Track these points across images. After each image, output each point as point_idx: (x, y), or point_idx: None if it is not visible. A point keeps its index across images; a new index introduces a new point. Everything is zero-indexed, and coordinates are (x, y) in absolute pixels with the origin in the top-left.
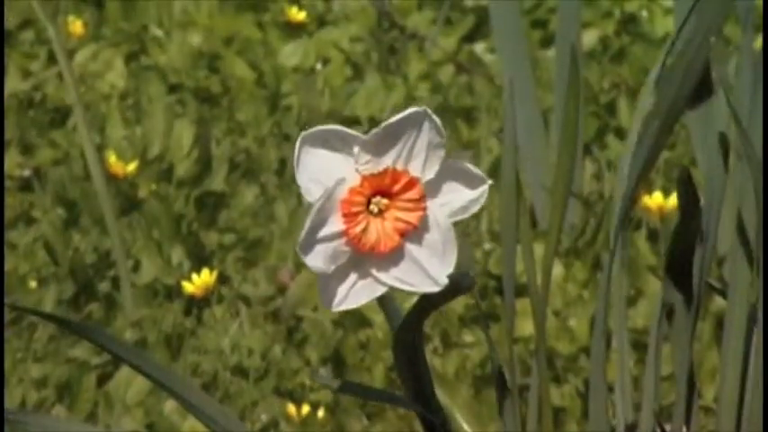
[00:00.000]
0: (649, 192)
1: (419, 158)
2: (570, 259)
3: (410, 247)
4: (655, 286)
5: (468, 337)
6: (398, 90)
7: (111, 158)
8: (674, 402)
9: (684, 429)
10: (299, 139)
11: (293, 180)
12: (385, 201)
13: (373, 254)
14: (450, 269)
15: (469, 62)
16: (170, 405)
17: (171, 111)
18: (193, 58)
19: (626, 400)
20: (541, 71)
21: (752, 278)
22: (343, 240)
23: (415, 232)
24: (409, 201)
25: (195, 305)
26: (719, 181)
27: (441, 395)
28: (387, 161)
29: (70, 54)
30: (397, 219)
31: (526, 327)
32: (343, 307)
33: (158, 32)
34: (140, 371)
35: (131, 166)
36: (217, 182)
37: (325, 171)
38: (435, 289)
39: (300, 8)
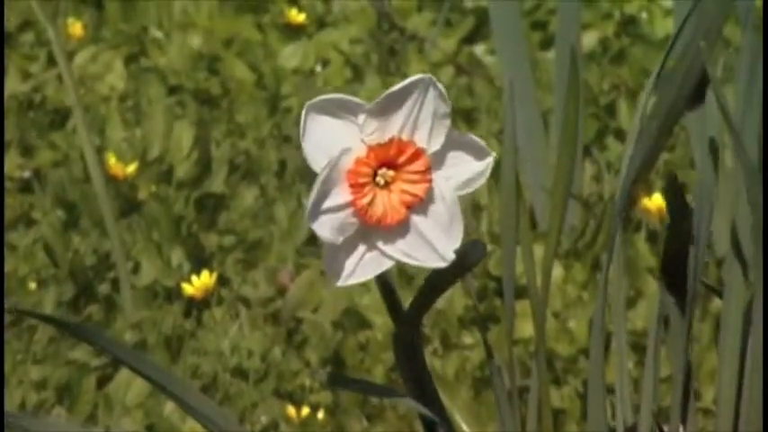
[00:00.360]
0: (649, 193)
1: (425, 128)
2: (570, 261)
3: (416, 220)
4: (654, 288)
5: (467, 339)
6: None
7: (111, 160)
8: (672, 403)
9: (681, 430)
10: (305, 107)
11: (293, 182)
12: (391, 173)
13: (380, 226)
14: (457, 244)
15: (469, 63)
16: (170, 406)
17: (171, 112)
18: (193, 60)
19: (625, 401)
20: (541, 73)
21: (746, 279)
22: (351, 211)
23: (420, 205)
24: (415, 172)
25: (195, 307)
26: (709, 182)
27: (440, 396)
28: (392, 129)
29: (70, 56)
30: (404, 191)
31: (526, 328)
32: (351, 281)
33: (158, 34)
34: (139, 373)
35: (131, 168)
36: (216, 183)
37: (330, 139)
38: (442, 264)
39: (300, 10)
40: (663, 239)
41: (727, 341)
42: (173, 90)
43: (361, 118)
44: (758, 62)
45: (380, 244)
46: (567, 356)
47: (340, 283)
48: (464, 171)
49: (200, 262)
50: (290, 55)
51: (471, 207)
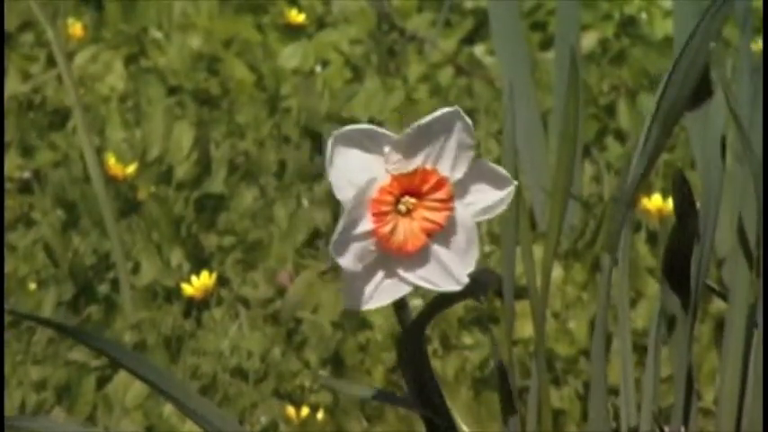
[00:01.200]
0: (649, 194)
1: (448, 158)
2: (570, 261)
3: (434, 247)
4: (654, 288)
5: (467, 339)
6: (398, 92)
7: (111, 160)
8: (673, 404)
9: (683, 431)
10: (332, 138)
11: (293, 182)
12: (413, 200)
13: (401, 253)
14: (471, 268)
15: (469, 64)
16: (169, 407)
17: (170, 113)
18: (193, 61)
19: (629, 402)
20: (541, 73)
21: (751, 280)
22: (372, 240)
23: (440, 232)
24: (437, 201)
25: (194, 307)
26: (716, 183)
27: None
28: (417, 161)
29: (70, 56)
30: (425, 218)
31: (526, 329)
32: (369, 306)
33: (158, 35)
34: (138, 375)
35: (131, 169)
36: (216, 184)
37: (357, 170)
38: (457, 288)
39: (300, 10)
40: (664, 240)
41: (730, 341)
42: (172, 90)
43: (387, 149)
44: (758, 64)
45: (400, 270)
46: (566, 357)
47: (360, 308)
48: (485, 199)
49: (199, 262)
50: (290, 55)
51: None
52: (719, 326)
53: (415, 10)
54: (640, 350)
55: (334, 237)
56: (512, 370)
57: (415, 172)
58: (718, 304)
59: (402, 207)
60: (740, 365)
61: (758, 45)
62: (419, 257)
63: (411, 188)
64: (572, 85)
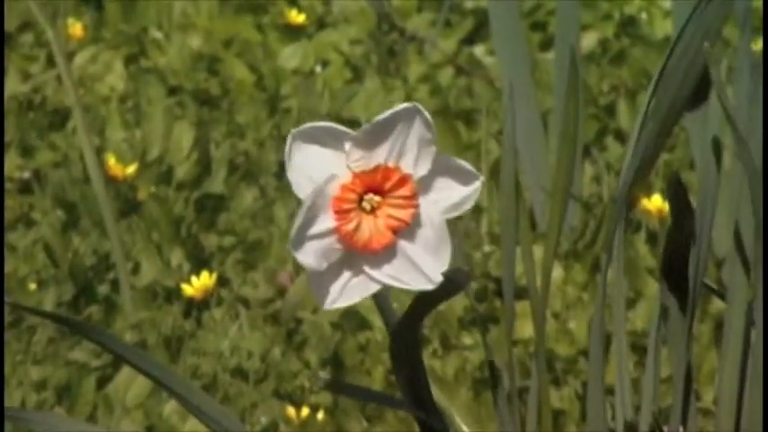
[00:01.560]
0: (648, 194)
1: (410, 155)
2: (570, 261)
3: (403, 245)
4: (654, 288)
5: (467, 340)
6: (398, 92)
7: (111, 161)
8: (672, 404)
9: (682, 431)
10: (290, 135)
11: None
12: (377, 198)
13: (366, 251)
14: (444, 267)
15: (469, 64)
16: (170, 407)
17: (170, 113)
18: (193, 61)
19: (626, 402)
20: (541, 73)
21: (749, 280)
22: (335, 237)
23: (407, 229)
24: (401, 198)
25: (195, 307)
26: (712, 183)
27: (440, 397)
28: (378, 158)
29: (70, 56)
30: (390, 216)
31: (526, 329)
32: (337, 305)
33: (158, 35)
34: (141, 370)
35: (131, 169)
36: (216, 184)
37: (316, 167)
38: (430, 287)
39: (300, 10)
40: (663, 240)
41: (729, 341)
42: (172, 91)
43: (348, 145)
44: (758, 64)
45: (367, 269)
46: (566, 357)
47: (326, 307)
48: (452, 195)
49: (199, 262)
50: (290, 55)
51: (471, 208)
52: (719, 326)
53: (415, 10)
54: (640, 350)
55: (292, 234)
56: (511, 370)
57: (376, 169)
58: (717, 304)
59: (366, 205)
60: (739, 365)
61: (758, 45)
62: (387, 255)
63: (373, 185)
64: (572, 85)
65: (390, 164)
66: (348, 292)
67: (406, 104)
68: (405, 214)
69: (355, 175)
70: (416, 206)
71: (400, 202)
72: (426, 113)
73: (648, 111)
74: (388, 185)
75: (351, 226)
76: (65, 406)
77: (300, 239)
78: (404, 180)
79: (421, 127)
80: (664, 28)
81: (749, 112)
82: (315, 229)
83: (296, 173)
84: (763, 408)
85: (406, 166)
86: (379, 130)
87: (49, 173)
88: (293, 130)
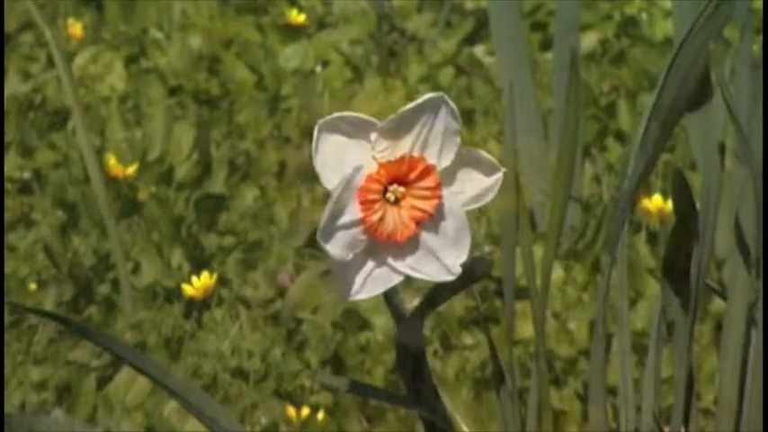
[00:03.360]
0: (649, 194)
1: (435, 145)
2: (570, 262)
3: (425, 236)
4: (655, 289)
5: (467, 340)
6: (398, 92)
7: (111, 161)
8: (673, 404)
9: (683, 431)
10: (317, 126)
11: (293, 183)
12: (401, 189)
13: (389, 242)
14: (464, 257)
15: (469, 65)
16: (170, 407)
17: (171, 113)
18: (193, 61)
19: (628, 402)
20: (541, 74)
21: (750, 280)
22: (361, 228)
23: (430, 221)
24: (425, 189)
25: (195, 308)
26: (715, 183)
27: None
28: (403, 148)
29: (70, 57)
30: (413, 207)
31: (526, 329)
32: (361, 296)
33: (158, 35)
34: (141, 370)
35: (131, 169)
36: (216, 184)
37: (342, 158)
38: (450, 278)
39: (300, 10)
40: (664, 240)
41: (730, 341)
42: (173, 91)
43: (373, 136)
44: (758, 65)
45: (390, 260)
46: (566, 357)
47: (350, 298)
48: (474, 187)
49: (200, 263)
50: (290, 56)
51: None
52: (720, 326)
53: (416, 10)
54: (641, 350)
55: (321, 225)
56: (512, 371)
57: (401, 159)
58: (718, 304)
59: (390, 196)
60: (739, 365)
61: (758, 45)
62: (409, 246)
63: (398, 176)
64: (572, 86)
65: (415, 154)
66: (371, 283)
67: (431, 94)
68: (428, 205)
69: (381, 165)
70: (440, 197)
71: (424, 193)
72: (452, 104)
73: (653, 111)
74: (412, 176)
75: (376, 217)
76: (65, 406)
77: (329, 231)
78: (428, 170)
79: (447, 117)
80: (664, 28)
81: (750, 112)
82: (342, 220)
83: (322, 164)
84: (763, 408)
85: (431, 157)
86: (406, 120)
87: (49, 173)
88: (320, 121)
